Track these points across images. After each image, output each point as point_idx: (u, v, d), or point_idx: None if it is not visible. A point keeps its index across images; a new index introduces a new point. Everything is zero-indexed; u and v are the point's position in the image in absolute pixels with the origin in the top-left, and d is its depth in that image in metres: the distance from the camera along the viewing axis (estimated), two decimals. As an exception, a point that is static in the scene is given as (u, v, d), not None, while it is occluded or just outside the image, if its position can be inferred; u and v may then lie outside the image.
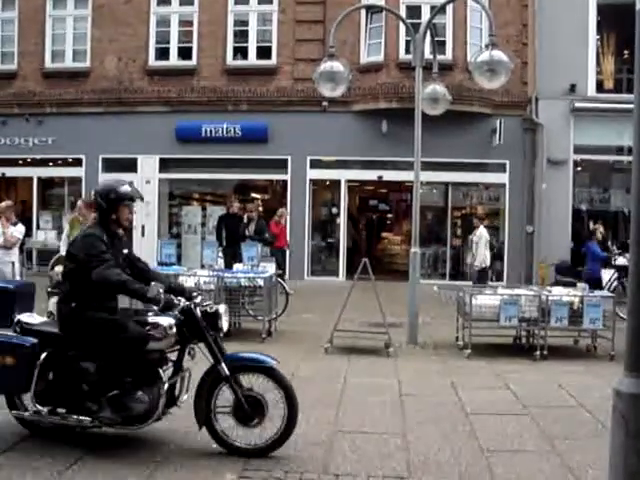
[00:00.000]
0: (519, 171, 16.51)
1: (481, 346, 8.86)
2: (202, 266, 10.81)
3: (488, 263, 13.75)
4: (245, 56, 17.28)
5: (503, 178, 16.73)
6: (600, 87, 16.29)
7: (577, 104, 15.87)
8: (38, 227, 18.02)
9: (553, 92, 15.98)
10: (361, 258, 9.47)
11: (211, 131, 17.02)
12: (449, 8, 15.49)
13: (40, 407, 4.77)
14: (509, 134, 16.07)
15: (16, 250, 10.02)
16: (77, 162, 17.79)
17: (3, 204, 10.41)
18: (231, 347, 8.99)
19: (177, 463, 4.63)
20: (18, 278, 9.87)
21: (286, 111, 16.70)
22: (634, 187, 3.38)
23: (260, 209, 18.94)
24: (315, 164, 17.05)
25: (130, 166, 17.46)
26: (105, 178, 17.36)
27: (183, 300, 4.84)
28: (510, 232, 16.68)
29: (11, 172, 18.44)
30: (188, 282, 9.63)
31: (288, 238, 15.25)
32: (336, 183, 17.39)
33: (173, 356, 4.93)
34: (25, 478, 4.29)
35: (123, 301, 5.62)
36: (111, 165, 17.65)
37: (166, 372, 4.82)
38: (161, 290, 4.72)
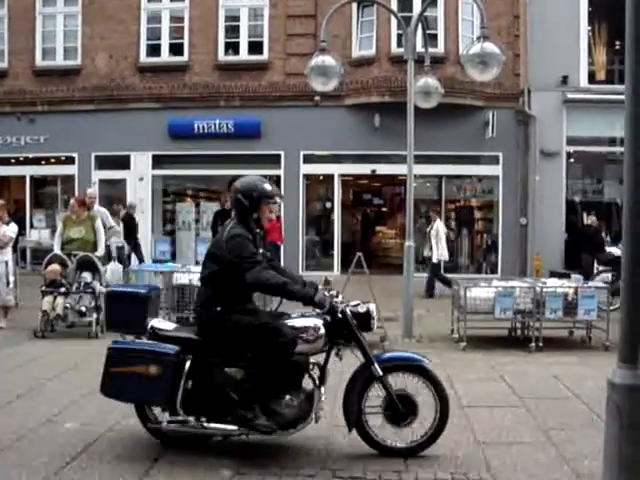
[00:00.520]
0: (512, 163, 16.52)
1: (476, 339, 8.88)
2: (196, 262, 10.81)
3: (446, 257, 13.77)
4: (237, 51, 17.23)
5: (496, 170, 16.75)
6: (592, 78, 16.30)
7: (569, 95, 15.89)
8: (31, 226, 17.96)
9: (545, 84, 15.99)
10: (355, 252, 9.47)
11: (204, 127, 16.97)
12: (440, 1, 15.52)
13: (187, 417, 4.57)
14: (502, 126, 16.08)
15: (9, 249, 9.98)
16: (70, 160, 17.73)
17: (-5, 203, 10.37)
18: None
19: (174, 461, 4.62)
20: (12, 278, 9.84)
21: (279, 106, 16.67)
22: (627, 178, 3.38)
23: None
24: (308, 159, 17.03)
25: (123, 163, 17.46)
26: (97, 175, 17.40)
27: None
28: (504, 224, 16.70)
29: (3, 171, 18.36)
30: (182, 279, 9.67)
31: (283, 233, 15.20)
32: (330, 178, 17.38)
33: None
34: None
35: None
36: (104, 163, 17.62)
37: (315, 374, 4.70)
38: (327, 293, 4.62)
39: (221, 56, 17.14)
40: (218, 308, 4.64)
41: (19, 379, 6.78)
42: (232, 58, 17.14)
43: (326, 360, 4.76)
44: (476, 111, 16.26)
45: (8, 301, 9.76)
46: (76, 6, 17.53)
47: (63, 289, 9.23)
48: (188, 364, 4.58)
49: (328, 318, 4.67)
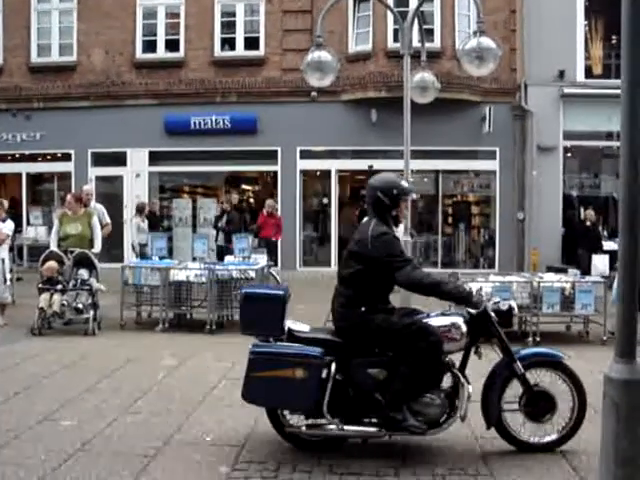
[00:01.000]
0: (509, 158, 16.52)
1: (474, 334, 8.86)
2: (193, 259, 10.79)
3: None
4: (233, 47, 17.19)
5: (493, 165, 16.75)
6: (589, 73, 16.28)
7: (566, 90, 15.88)
8: (28, 223, 17.91)
9: (542, 78, 15.97)
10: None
11: (200, 123, 16.95)
12: (437, -5, 15.48)
13: (333, 420, 4.50)
14: (499, 121, 16.08)
15: (6, 247, 9.96)
16: (66, 157, 17.70)
17: (-9, 201, 10.36)
18: (224, 340, 9.04)
19: (171, 457, 4.62)
20: (8, 276, 9.82)
21: (275, 102, 16.65)
22: (623, 172, 3.37)
23: (251, 201, 19.02)
24: (305, 154, 17.01)
25: (119, 160, 17.43)
26: (94, 172, 17.37)
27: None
28: (501, 219, 16.72)
29: (-1, 168, 18.34)
30: (179, 275, 9.67)
31: (281, 229, 15.09)
32: (326, 173, 17.37)
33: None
34: None
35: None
36: (101, 159, 17.59)
37: (456, 372, 4.65)
38: (482, 292, 4.55)
39: (217, 52, 17.11)
40: (363, 308, 4.56)
41: (16, 376, 6.77)
42: (228, 54, 17.10)
43: (466, 358, 4.70)
44: (473, 106, 16.25)
45: (5, 298, 9.75)
46: (71, 2, 17.48)
47: (60, 286, 9.21)
48: (334, 367, 4.48)
49: (467, 315, 4.61)
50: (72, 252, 9.57)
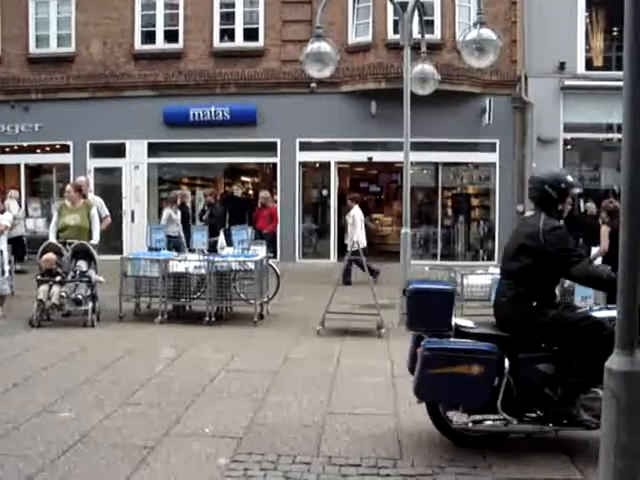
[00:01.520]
0: (509, 150, 16.50)
1: (473, 326, 8.86)
2: (191, 250, 10.76)
3: (363, 244, 13.62)
4: (232, 38, 17.13)
5: (493, 157, 16.72)
6: (589, 65, 16.24)
7: (567, 82, 15.84)
8: (27, 215, 17.88)
9: (542, 70, 15.92)
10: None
11: (199, 115, 16.91)
12: (437, -14, 15.41)
13: (508, 417, 4.45)
14: (499, 113, 16.04)
15: (4, 238, 9.94)
16: (65, 148, 17.66)
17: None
18: (223, 332, 9.04)
19: (170, 449, 4.62)
20: (7, 267, 9.80)
21: (275, 93, 16.60)
22: (624, 165, 3.36)
23: (250, 192, 19.00)
24: (304, 146, 16.97)
25: (118, 151, 17.39)
26: (93, 163, 17.33)
27: None
28: (500, 211, 16.70)
29: (-2, 160, 18.29)
30: (179, 267, 9.66)
31: (276, 222, 15.02)
32: (326, 165, 17.33)
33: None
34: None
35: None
36: (99, 151, 17.56)
37: None
38: None
39: (216, 43, 17.04)
40: (534, 303, 4.53)
41: (15, 368, 6.76)
42: (227, 45, 17.04)
43: None
44: (473, 98, 16.20)
45: (4, 290, 9.73)
46: (69, -7, 17.40)
47: (59, 278, 9.19)
48: (507, 362, 4.44)
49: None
50: (71, 244, 9.55)
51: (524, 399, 4.55)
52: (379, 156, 17.05)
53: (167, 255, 10.08)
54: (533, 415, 4.60)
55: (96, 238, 9.95)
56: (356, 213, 13.52)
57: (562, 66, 15.89)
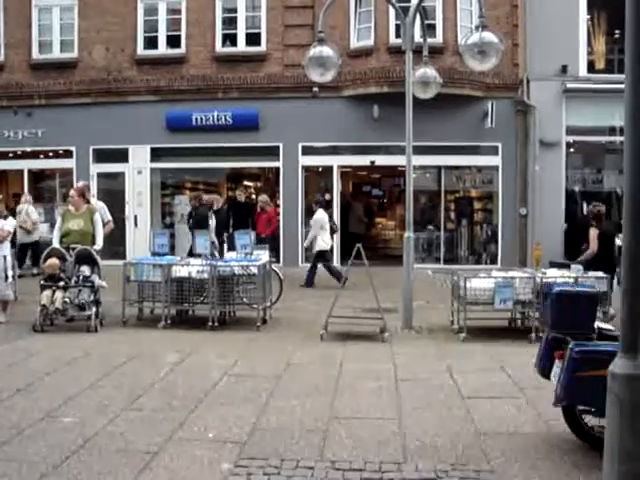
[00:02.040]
0: (512, 153, 16.48)
1: (476, 329, 8.86)
2: (193, 255, 10.74)
3: (326, 247, 13.74)
4: (234, 43, 17.14)
5: (496, 161, 16.69)
6: (591, 68, 16.21)
7: (569, 85, 15.82)
8: (30, 220, 17.89)
9: (544, 73, 15.91)
10: (355, 243, 9.43)
11: (202, 119, 16.91)
12: (438, -10, 15.42)
13: None
14: (501, 116, 16.02)
15: (7, 244, 9.95)
16: (68, 154, 17.66)
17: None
18: (226, 336, 9.04)
19: (173, 454, 4.62)
20: (10, 272, 9.81)
21: (277, 98, 16.61)
22: (627, 167, 3.35)
23: (252, 197, 19.00)
24: (307, 150, 16.98)
25: (121, 156, 17.40)
26: (96, 169, 17.37)
27: None
28: (503, 214, 16.67)
29: (1, 165, 18.26)
30: (182, 272, 9.66)
31: (274, 225, 15.04)
32: (328, 169, 17.32)
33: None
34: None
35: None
36: (102, 156, 17.57)
37: None
38: None
39: (218, 48, 17.06)
40: None
41: (18, 373, 6.77)
42: (230, 50, 17.06)
43: None
44: (475, 101, 16.20)
45: (7, 295, 9.74)
46: (72, -2, 17.45)
47: (62, 283, 9.20)
48: None
49: None
50: (74, 249, 9.56)
51: None
52: (382, 160, 17.04)
53: (170, 260, 10.08)
54: None
55: (99, 243, 9.96)
56: (318, 216, 13.71)
57: (564, 69, 15.88)
